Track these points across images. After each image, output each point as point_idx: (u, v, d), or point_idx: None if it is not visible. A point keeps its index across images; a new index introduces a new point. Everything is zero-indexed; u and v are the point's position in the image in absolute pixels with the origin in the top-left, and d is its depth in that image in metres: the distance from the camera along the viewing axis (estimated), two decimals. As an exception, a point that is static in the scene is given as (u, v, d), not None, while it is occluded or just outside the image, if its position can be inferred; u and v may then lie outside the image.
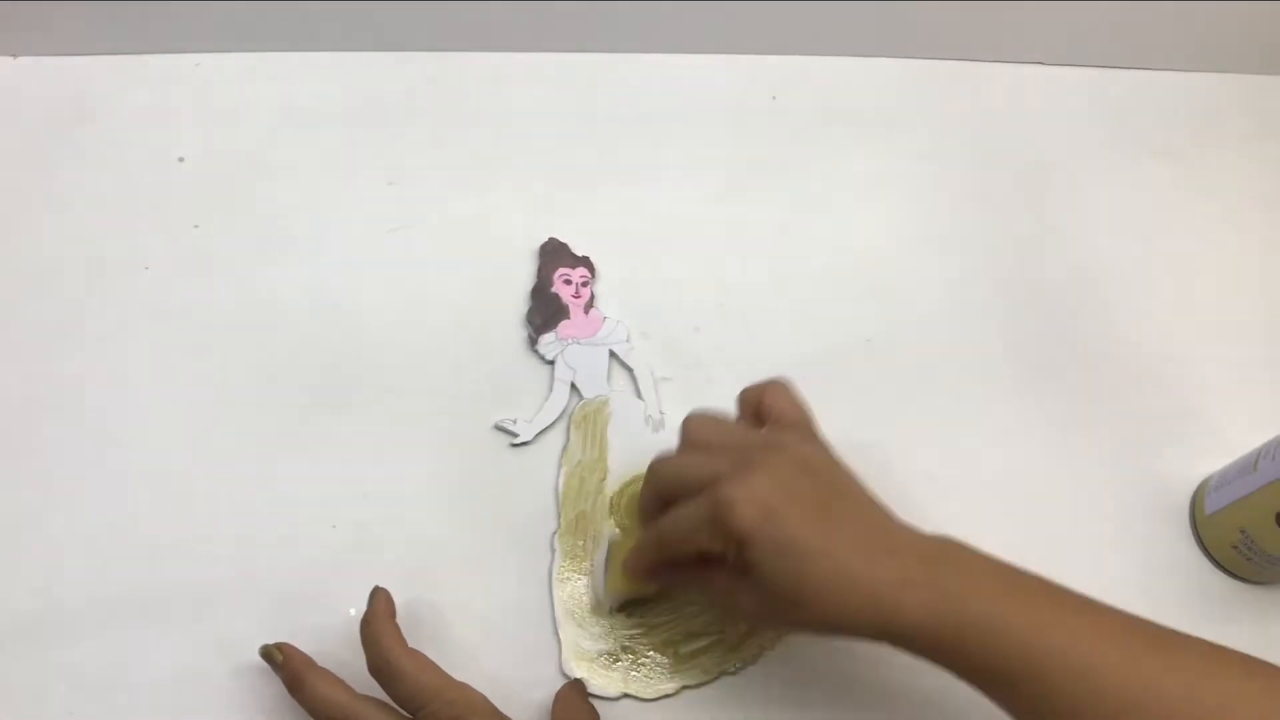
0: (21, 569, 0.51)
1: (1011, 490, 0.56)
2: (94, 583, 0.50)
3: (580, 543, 0.52)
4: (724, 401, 0.49)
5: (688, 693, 0.50)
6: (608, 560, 0.51)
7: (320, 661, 0.47)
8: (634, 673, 0.50)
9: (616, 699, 0.49)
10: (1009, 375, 0.59)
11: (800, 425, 0.46)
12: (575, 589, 0.51)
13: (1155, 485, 0.56)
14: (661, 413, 0.56)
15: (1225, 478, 0.53)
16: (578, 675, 0.49)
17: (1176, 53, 0.70)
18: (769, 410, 0.46)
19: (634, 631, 0.51)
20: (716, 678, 0.50)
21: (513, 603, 0.51)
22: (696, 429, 0.46)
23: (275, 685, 0.47)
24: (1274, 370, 0.60)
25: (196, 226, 0.59)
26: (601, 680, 0.50)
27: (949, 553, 0.41)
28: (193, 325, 0.57)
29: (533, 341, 0.57)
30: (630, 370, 0.57)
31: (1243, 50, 0.70)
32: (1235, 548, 0.52)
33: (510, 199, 0.62)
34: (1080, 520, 0.55)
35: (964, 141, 0.66)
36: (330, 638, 0.48)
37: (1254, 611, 0.54)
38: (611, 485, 0.54)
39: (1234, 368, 0.60)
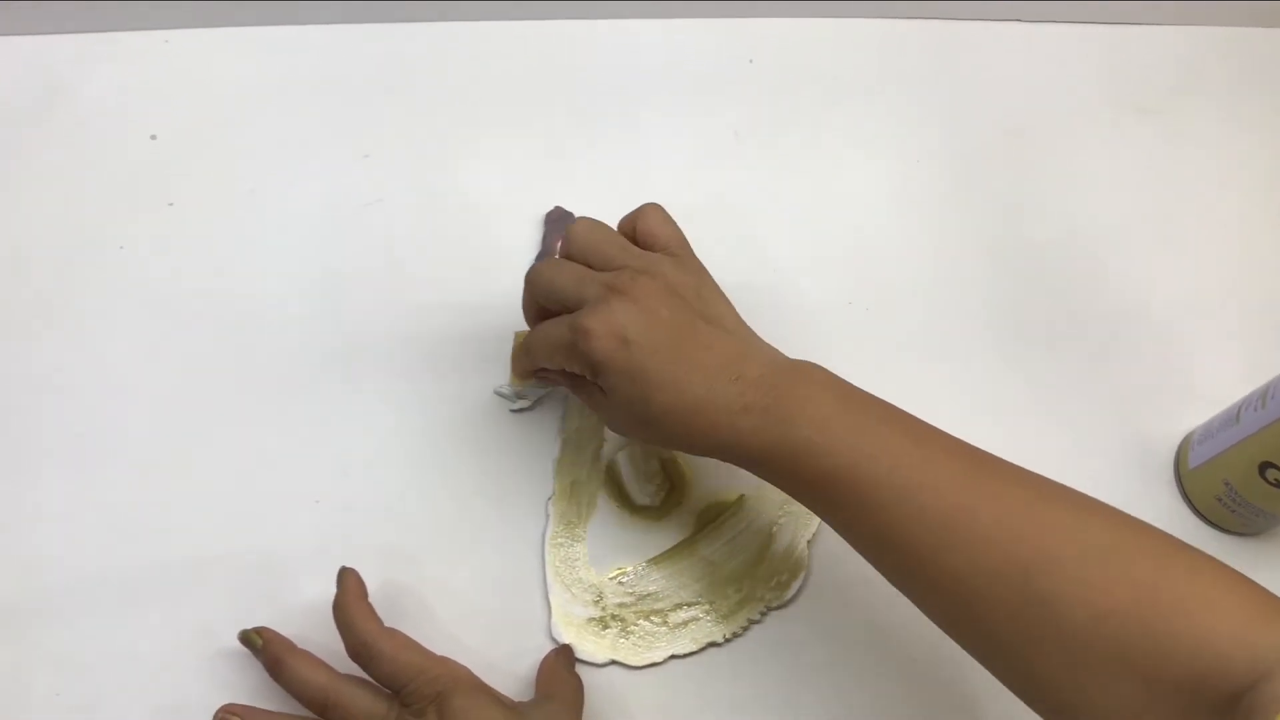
0: (2, 551, 0.50)
1: (996, 449, 0.55)
2: (75, 565, 0.50)
3: (575, 508, 0.53)
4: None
5: (675, 662, 0.50)
6: (513, 350, 0.54)
7: (304, 641, 0.47)
8: (622, 640, 0.50)
9: (604, 665, 0.50)
10: (991, 336, 0.59)
11: (674, 248, 0.47)
12: (568, 554, 0.52)
13: (1139, 441, 0.56)
14: None
15: (1208, 431, 0.53)
16: (566, 640, 0.50)
17: (1155, 7, 0.69)
18: (644, 236, 0.47)
19: (624, 599, 0.51)
20: (705, 648, 0.50)
21: (499, 575, 0.51)
22: (579, 241, 0.46)
23: (259, 665, 0.47)
24: (1255, 323, 0.60)
25: (171, 204, 0.59)
26: (590, 646, 0.50)
27: (795, 376, 0.43)
28: (169, 303, 0.56)
29: None
30: None
31: (1222, 4, 0.70)
32: (1219, 500, 0.53)
33: (488, 169, 0.61)
34: (1065, 478, 0.54)
35: (944, 102, 0.66)
36: (315, 617, 0.48)
37: (1239, 563, 0.52)
38: (607, 454, 0.54)
39: (1216, 322, 0.60)
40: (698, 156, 0.63)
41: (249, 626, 0.47)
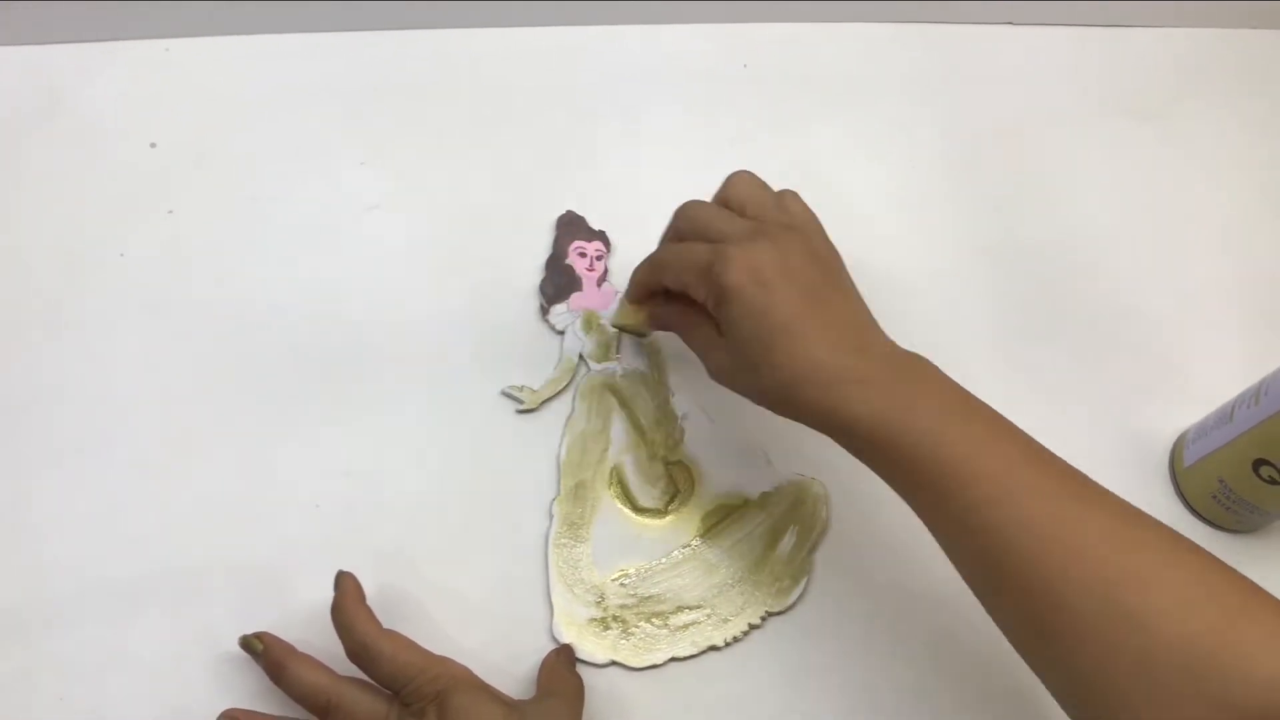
0: (5, 559, 0.51)
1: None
2: (79, 570, 0.50)
3: (579, 510, 0.53)
4: (699, 370, 0.49)
5: (675, 665, 0.50)
6: (622, 296, 0.53)
7: (306, 644, 0.48)
8: (623, 641, 0.50)
9: (604, 666, 0.50)
10: (987, 336, 0.59)
11: (816, 228, 0.48)
12: (571, 555, 0.52)
13: (1134, 439, 0.57)
14: (669, 390, 0.56)
15: (1203, 429, 0.54)
16: (567, 640, 0.50)
17: (1149, 9, 0.70)
18: (788, 210, 0.48)
19: (626, 601, 0.51)
20: (705, 651, 0.50)
21: (502, 576, 0.52)
22: (736, 189, 0.48)
23: (261, 668, 0.48)
24: (1250, 321, 0.60)
25: (171, 212, 0.59)
26: (591, 646, 0.50)
27: (914, 367, 0.43)
28: (170, 310, 0.57)
29: (544, 311, 0.57)
30: (639, 345, 0.57)
31: (1217, 5, 0.70)
32: (1215, 497, 0.53)
33: (486, 176, 0.62)
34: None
35: (938, 106, 0.66)
36: (316, 620, 0.48)
37: (1234, 560, 0.52)
38: (613, 456, 0.54)
39: (1211, 321, 0.60)
40: (694, 161, 0.63)
41: (250, 631, 0.47)
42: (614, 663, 0.50)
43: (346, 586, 0.47)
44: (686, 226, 0.47)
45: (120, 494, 0.52)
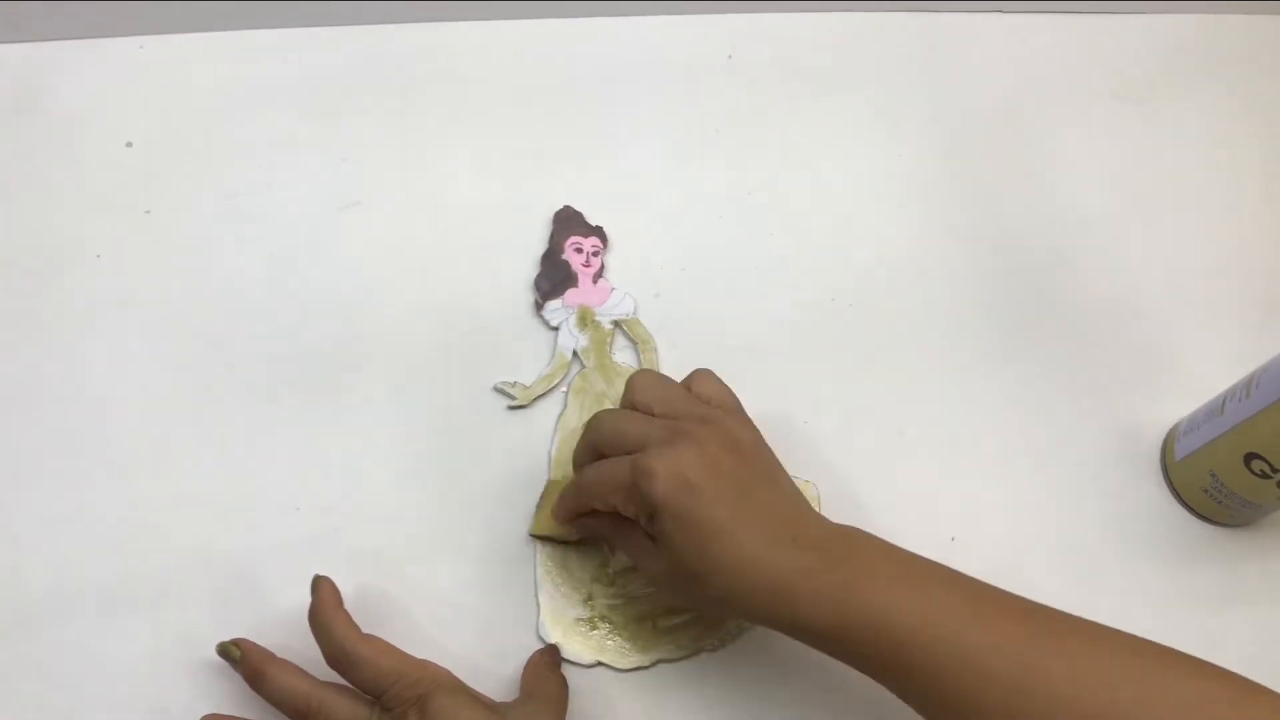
0: (-18, 562, 0.50)
1: (983, 443, 0.55)
2: (56, 573, 0.50)
3: None
4: (688, 366, 0.49)
5: (662, 666, 0.50)
6: (541, 496, 0.52)
7: (286, 649, 0.47)
8: (610, 641, 0.50)
9: (590, 666, 0.49)
10: (976, 329, 0.58)
11: (732, 407, 0.47)
12: (559, 554, 0.51)
13: (1126, 433, 0.56)
14: None
15: (1194, 422, 0.53)
16: (554, 639, 0.49)
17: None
18: (700, 395, 0.47)
19: (614, 601, 0.50)
20: (693, 654, 0.50)
21: (487, 576, 0.51)
22: (641, 389, 0.46)
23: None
24: (1241, 314, 0.59)
25: (148, 212, 0.59)
26: (577, 646, 0.49)
27: (850, 543, 0.42)
28: (147, 311, 0.56)
29: (538, 307, 0.57)
30: (634, 343, 0.56)
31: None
32: (1206, 491, 0.52)
33: (467, 170, 0.61)
34: (1052, 471, 0.55)
35: (924, 93, 0.65)
36: (296, 624, 0.48)
37: (1226, 554, 0.54)
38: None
39: (1201, 313, 0.59)
40: (678, 152, 0.63)
41: (228, 638, 0.47)
42: (600, 664, 0.49)
43: (323, 591, 0.47)
44: (601, 439, 0.46)
45: (97, 496, 0.52)
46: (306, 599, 0.47)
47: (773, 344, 0.57)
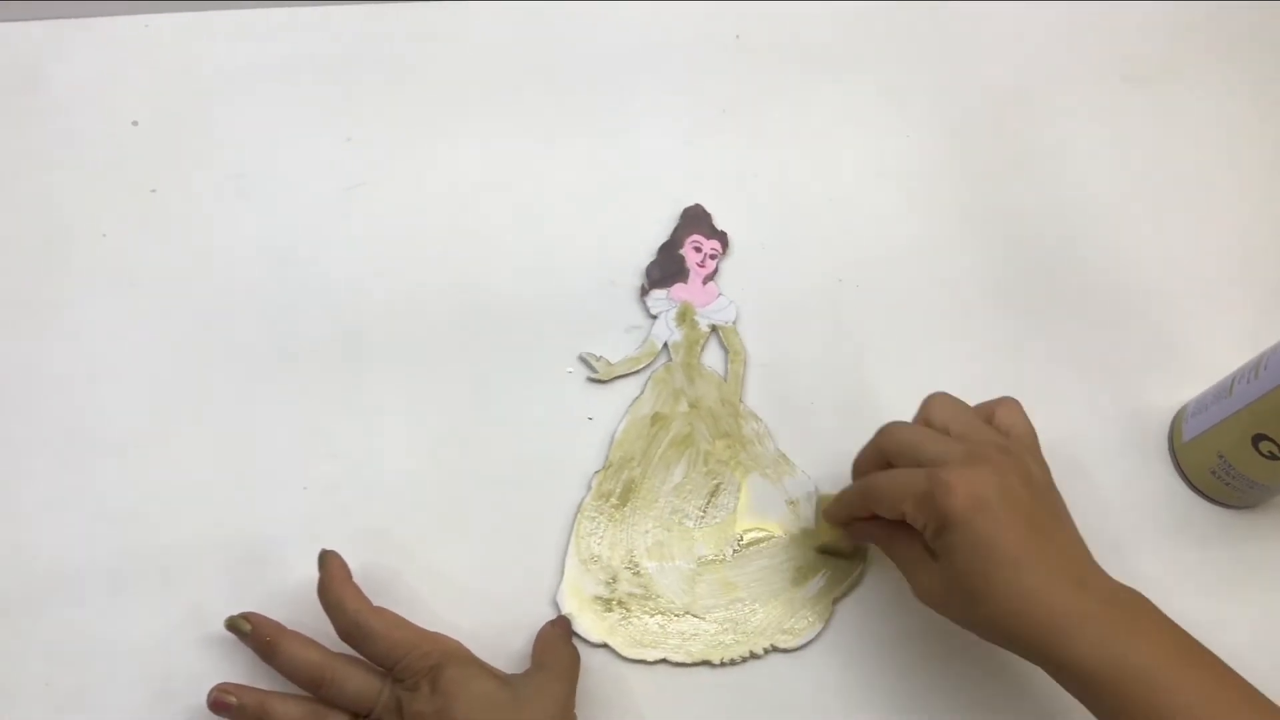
0: (-10, 542, 0.50)
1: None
2: (63, 553, 0.50)
3: (617, 490, 0.52)
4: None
5: (665, 667, 0.50)
6: (817, 509, 0.52)
7: (295, 624, 0.47)
8: (621, 627, 0.50)
9: (596, 645, 0.49)
10: (984, 311, 0.58)
11: (1030, 443, 0.46)
12: (595, 529, 0.51)
13: (1133, 415, 0.56)
14: (741, 401, 0.55)
15: (1202, 404, 0.53)
16: (569, 609, 0.50)
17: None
18: (1001, 424, 0.47)
19: (635, 590, 0.51)
20: (699, 664, 0.50)
21: (491, 556, 0.51)
22: (939, 410, 0.46)
23: (250, 650, 0.47)
24: (1248, 295, 0.59)
25: (153, 190, 0.58)
26: (589, 623, 0.50)
27: (1133, 604, 0.42)
28: (153, 290, 0.56)
29: (644, 292, 0.57)
30: (726, 351, 0.56)
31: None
32: (1213, 473, 0.52)
33: (473, 151, 0.61)
34: (1060, 452, 0.54)
35: (932, 75, 0.65)
36: (304, 600, 0.48)
37: (1233, 535, 0.54)
38: (667, 449, 0.53)
39: (1209, 294, 0.59)
40: (686, 134, 0.62)
41: (236, 613, 0.47)
42: (606, 645, 0.49)
43: (332, 566, 0.47)
44: (893, 449, 0.46)
45: (104, 475, 0.52)
46: (315, 576, 0.47)
47: (780, 326, 0.57)
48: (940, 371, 0.56)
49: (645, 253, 0.58)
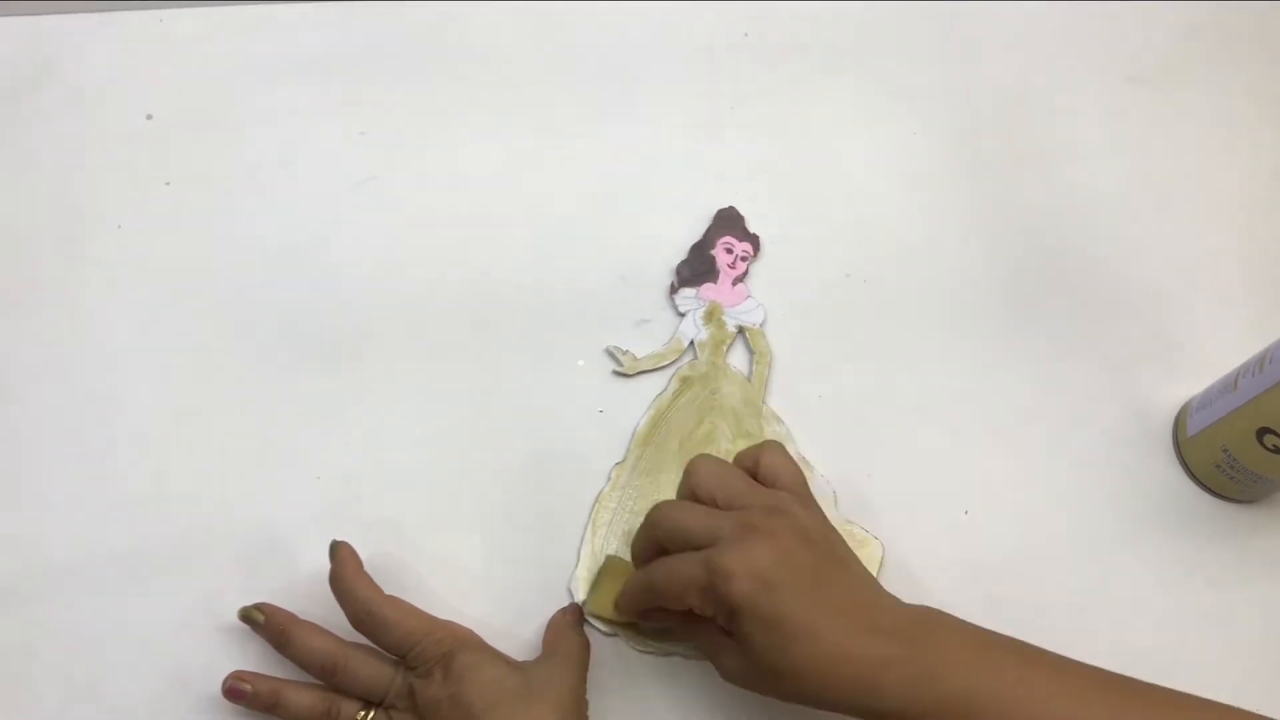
0: (5, 529, 0.51)
1: (996, 419, 0.56)
2: (79, 541, 0.50)
3: (636, 483, 0.53)
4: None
5: (677, 660, 0.50)
6: (599, 576, 0.50)
7: (306, 614, 0.48)
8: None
9: (609, 634, 0.50)
10: (989, 306, 0.59)
11: (798, 489, 0.46)
12: (612, 520, 0.52)
13: (1137, 409, 0.56)
14: (764, 403, 0.55)
15: (1207, 399, 0.53)
16: (581, 595, 0.50)
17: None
18: (767, 472, 0.46)
19: None
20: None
21: (501, 546, 0.52)
22: (702, 479, 0.45)
23: (262, 639, 0.48)
24: (1252, 291, 0.60)
25: (168, 183, 0.59)
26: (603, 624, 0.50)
27: (929, 626, 0.42)
28: (167, 281, 0.56)
29: (673, 290, 0.57)
30: (751, 353, 0.56)
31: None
32: (1218, 467, 0.53)
33: (484, 146, 0.61)
34: (1065, 447, 0.55)
35: (940, 73, 0.66)
36: (316, 590, 0.48)
37: (1238, 530, 0.54)
38: (686, 446, 0.54)
39: (1213, 290, 0.60)
40: (695, 131, 0.63)
41: (250, 603, 0.47)
42: (618, 635, 0.50)
43: (342, 555, 0.47)
44: (664, 535, 0.44)
45: (119, 464, 0.52)
46: (326, 565, 0.47)
47: (788, 319, 0.58)
48: (948, 364, 0.57)
49: (655, 247, 0.59)
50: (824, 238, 0.60)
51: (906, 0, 0.68)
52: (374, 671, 0.45)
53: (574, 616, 0.49)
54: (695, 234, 0.59)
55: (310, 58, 0.63)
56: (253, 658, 0.48)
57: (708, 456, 0.46)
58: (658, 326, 0.57)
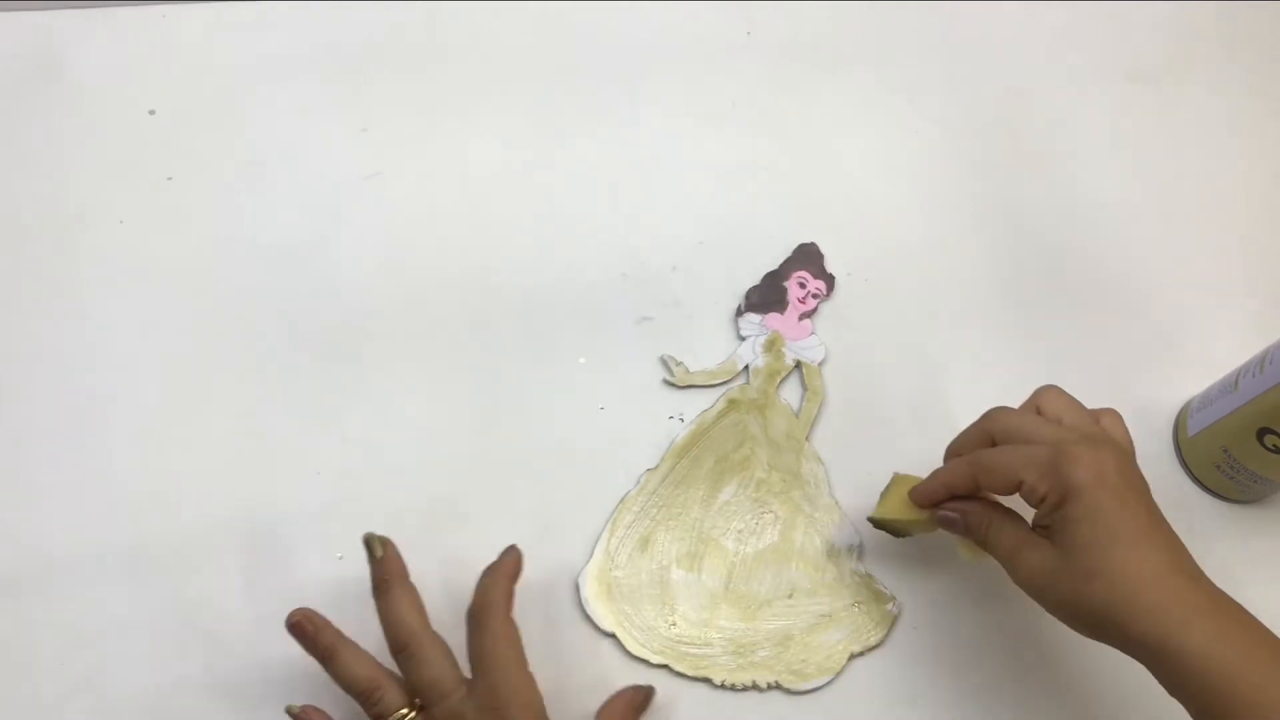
0: (5, 524, 0.51)
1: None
2: (78, 536, 0.50)
3: (664, 493, 0.53)
4: (703, 338, 0.49)
5: (666, 673, 0.49)
6: (888, 488, 0.50)
7: (308, 605, 0.47)
8: (629, 620, 0.50)
9: (605, 633, 0.50)
10: (991, 305, 0.59)
11: (1130, 452, 0.46)
12: (631, 524, 0.52)
13: (1137, 409, 0.55)
14: (807, 439, 0.55)
15: (1207, 399, 0.53)
16: (588, 589, 0.50)
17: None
18: (1105, 429, 0.46)
19: (655, 593, 0.51)
20: (699, 679, 0.49)
21: (503, 544, 0.51)
22: (1051, 401, 0.46)
23: (262, 633, 0.48)
24: (1252, 292, 0.60)
25: (170, 179, 0.59)
26: (602, 609, 0.50)
27: (1240, 608, 0.41)
28: (169, 277, 0.57)
29: (739, 313, 0.58)
30: (805, 388, 0.56)
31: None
32: (1219, 467, 0.53)
33: (487, 143, 0.61)
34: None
35: (939, 72, 0.66)
36: (315, 587, 0.49)
37: (1238, 530, 0.54)
38: (721, 466, 0.54)
39: (1213, 291, 0.60)
40: (696, 128, 0.63)
41: (244, 599, 0.47)
42: (614, 636, 0.50)
43: (510, 558, 0.46)
44: (1002, 432, 0.45)
45: (119, 459, 0.52)
46: (328, 563, 0.48)
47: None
48: (946, 363, 0.57)
49: (656, 244, 0.59)
50: (825, 235, 0.60)
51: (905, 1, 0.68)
52: (438, 674, 0.44)
53: (642, 701, 0.47)
54: (697, 232, 0.60)
55: (312, 54, 0.63)
56: (257, 652, 0.48)
57: (1057, 387, 0.47)
58: (659, 324, 0.57)
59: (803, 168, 0.62)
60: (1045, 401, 0.46)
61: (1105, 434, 0.45)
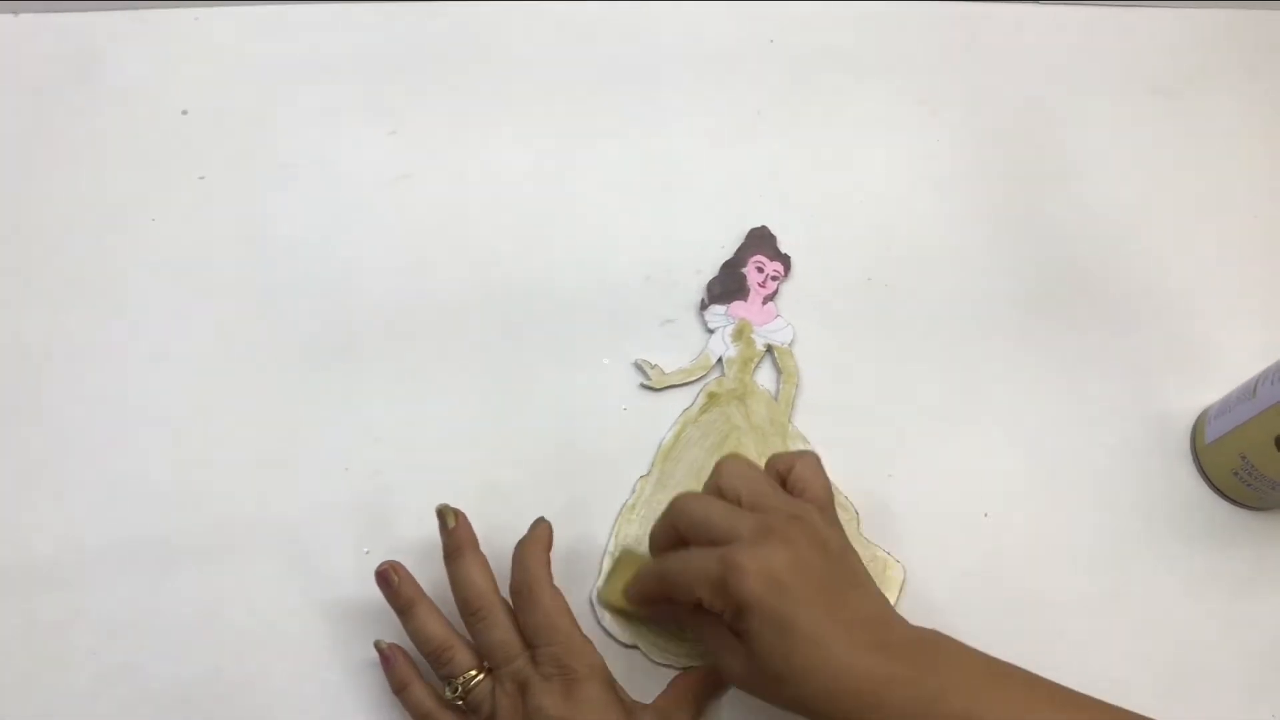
0: (39, 516, 0.51)
1: (1014, 425, 0.56)
2: (111, 528, 0.51)
3: (659, 497, 0.53)
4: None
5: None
6: (615, 563, 0.51)
7: (338, 602, 0.49)
8: (646, 629, 0.50)
9: (628, 646, 0.50)
10: (1010, 313, 0.59)
11: (824, 504, 0.46)
12: (634, 533, 0.52)
13: (1156, 416, 0.57)
14: (789, 421, 0.56)
15: (1225, 405, 0.54)
16: (600, 607, 0.50)
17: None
18: (797, 482, 0.46)
19: None
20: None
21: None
22: (729, 477, 0.45)
23: (293, 626, 0.49)
24: (1271, 299, 0.60)
25: (202, 178, 0.60)
26: (618, 626, 0.50)
27: (936, 649, 0.42)
28: (200, 275, 0.57)
29: (703, 306, 0.58)
30: (779, 372, 0.57)
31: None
32: (1236, 474, 0.53)
33: (513, 147, 0.62)
34: (1083, 453, 0.56)
35: (961, 81, 0.66)
36: (346, 582, 0.50)
37: (1255, 537, 0.54)
38: (708, 460, 0.54)
39: (1232, 299, 0.60)
40: (720, 135, 0.63)
41: (272, 594, 0.48)
42: (636, 648, 0.50)
43: (540, 529, 0.48)
44: (684, 526, 0.45)
45: (151, 455, 0.53)
46: (355, 557, 0.48)
47: (809, 323, 0.58)
48: (968, 368, 0.57)
49: (680, 248, 0.60)
50: (847, 241, 0.61)
51: (930, 4, 0.68)
52: (506, 637, 0.46)
53: (711, 682, 0.48)
54: (720, 236, 0.60)
55: (342, 57, 0.64)
56: (287, 645, 0.49)
57: (738, 456, 0.46)
58: (682, 326, 0.58)
59: (825, 174, 0.63)
60: (724, 479, 0.45)
61: (784, 510, 0.44)
